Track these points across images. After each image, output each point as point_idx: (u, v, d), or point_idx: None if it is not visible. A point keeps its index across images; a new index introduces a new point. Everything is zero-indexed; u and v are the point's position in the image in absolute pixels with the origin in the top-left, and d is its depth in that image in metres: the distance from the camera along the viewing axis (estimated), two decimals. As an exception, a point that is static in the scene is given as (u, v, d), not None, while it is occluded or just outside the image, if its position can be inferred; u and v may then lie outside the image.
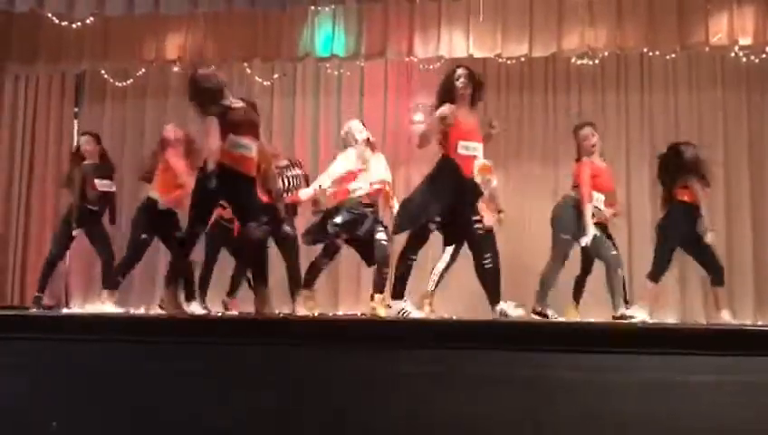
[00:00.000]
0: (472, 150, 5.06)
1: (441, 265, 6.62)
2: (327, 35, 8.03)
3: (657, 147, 7.99)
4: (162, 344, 3.82)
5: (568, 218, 5.86)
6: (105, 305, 6.55)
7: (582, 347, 3.52)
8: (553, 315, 5.72)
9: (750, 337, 3.67)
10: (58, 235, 7.21)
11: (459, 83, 5.11)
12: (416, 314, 5.07)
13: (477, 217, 5.10)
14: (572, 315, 6.33)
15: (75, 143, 7.32)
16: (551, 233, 5.99)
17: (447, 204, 5.00)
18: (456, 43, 7.79)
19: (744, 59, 7.63)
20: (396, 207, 6.09)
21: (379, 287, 6.27)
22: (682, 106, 8.22)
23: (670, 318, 7.58)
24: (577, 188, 5.91)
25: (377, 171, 6.31)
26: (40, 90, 8.96)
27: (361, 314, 7.13)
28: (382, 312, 6.24)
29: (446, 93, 5.12)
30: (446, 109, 5.04)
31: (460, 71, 5.17)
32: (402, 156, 8.45)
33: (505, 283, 5.30)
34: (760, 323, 7.48)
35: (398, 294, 5.11)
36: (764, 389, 3.30)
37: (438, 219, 5.02)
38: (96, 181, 6.95)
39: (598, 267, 6.07)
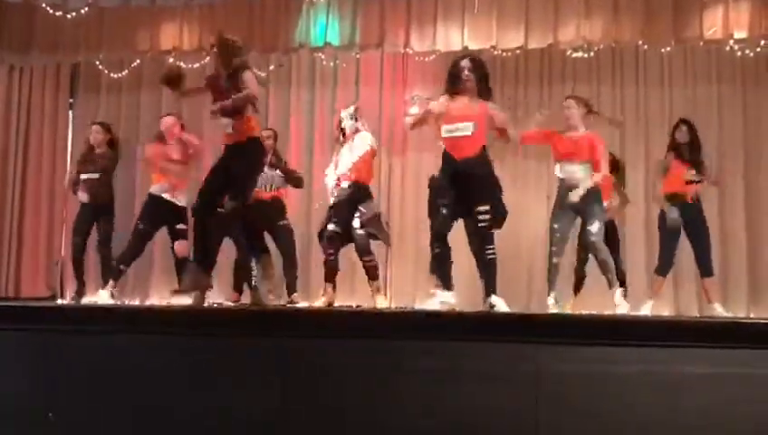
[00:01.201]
0: (456, 132, 5.01)
1: None
2: (322, 25, 8.02)
3: (652, 140, 8.02)
4: (159, 336, 3.82)
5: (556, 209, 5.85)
6: (100, 294, 6.46)
7: (576, 340, 3.54)
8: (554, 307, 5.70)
9: (742, 330, 3.69)
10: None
11: (464, 76, 5.10)
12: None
13: (483, 208, 4.97)
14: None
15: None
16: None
17: (450, 191, 5.00)
18: (452, 35, 7.78)
19: (739, 52, 7.64)
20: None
21: (370, 275, 6.19)
22: (677, 99, 8.21)
23: (665, 311, 7.60)
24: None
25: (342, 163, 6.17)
26: (34, 80, 8.93)
27: (357, 306, 7.13)
28: (381, 301, 6.23)
29: (452, 82, 5.13)
30: (435, 104, 5.10)
31: (463, 63, 5.15)
32: (397, 147, 8.45)
33: (499, 279, 5.27)
34: (752, 315, 7.51)
35: (441, 285, 5.04)
36: (758, 381, 3.33)
37: (445, 210, 5.00)
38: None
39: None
